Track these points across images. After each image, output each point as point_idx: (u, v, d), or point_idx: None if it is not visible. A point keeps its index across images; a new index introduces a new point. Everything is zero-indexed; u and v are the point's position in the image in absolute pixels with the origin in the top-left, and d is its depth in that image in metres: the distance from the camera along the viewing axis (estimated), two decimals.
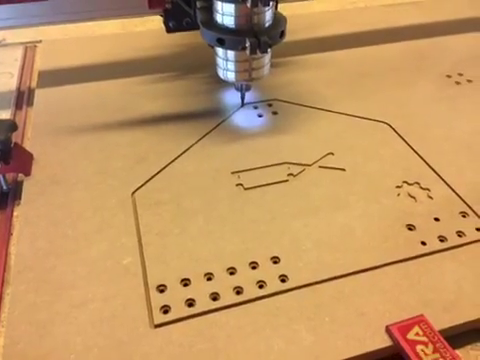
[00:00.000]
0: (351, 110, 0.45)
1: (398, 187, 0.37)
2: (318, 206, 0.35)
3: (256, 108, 0.46)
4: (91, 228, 0.33)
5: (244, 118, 0.45)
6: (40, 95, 0.47)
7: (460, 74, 0.51)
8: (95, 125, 0.43)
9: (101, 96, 0.47)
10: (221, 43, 0.38)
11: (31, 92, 0.49)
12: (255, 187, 0.37)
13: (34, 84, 0.50)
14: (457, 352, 0.28)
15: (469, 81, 0.50)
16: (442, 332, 0.27)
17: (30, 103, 0.47)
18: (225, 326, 0.27)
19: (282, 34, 0.39)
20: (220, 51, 0.40)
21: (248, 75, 0.41)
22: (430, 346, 0.25)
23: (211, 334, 0.27)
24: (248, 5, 0.34)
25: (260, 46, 0.36)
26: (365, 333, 0.27)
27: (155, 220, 0.34)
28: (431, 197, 0.36)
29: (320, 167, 0.39)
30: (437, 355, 0.25)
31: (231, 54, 0.39)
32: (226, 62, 0.40)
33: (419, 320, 0.27)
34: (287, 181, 0.37)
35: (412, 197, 0.36)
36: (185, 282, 0.30)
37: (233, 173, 0.38)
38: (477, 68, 0.52)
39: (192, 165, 0.38)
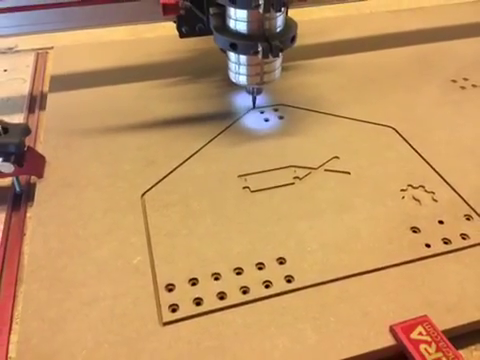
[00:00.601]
0: (357, 114, 0.46)
1: (403, 190, 0.37)
2: (323, 208, 0.36)
3: (262, 112, 0.47)
4: (101, 229, 0.34)
5: (251, 122, 0.45)
6: (52, 99, 0.48)
7: (465, 79, 0.51)
8: (106, 128, 0.44)
9: (111, 100, 0.48)
10: (234, 48, 0.39)
11: (43, 97, 0.50)
12: (262, 190, 0.37)
13: (46, 89, 0.51)
14: (460, 352, 0.28)
15: (474, 86, 0.50)
16: (445, 333, 0.27)
17: (42, 107, 0.48)
18: (232, 324, 0.28)
19: (293, 39, 0.40)
20: (232, 55, 0.41)
21: (260, 79, 0.42)
22: (433, 345, 0.26)
23: (218, 332, 0.28)
24: (260, 11, 0.35)
25: (272, 50, 0.37)
26: (369, 332, 0.27)
27: (164, 221, 0.34)
28: (436, 200, 0.36)
29: (326, 170, 0.39)
30: (440, 354, 0.25)
31: (243, 58, 0.41)
32: (238, 66, 0.41)
33: (422, 320, 0.27)
34: (293, 184, 0.38)
35: (417, 200, 0.36)
36: (193, 281, 0.30)
37: (240, 176, 0.39)
38: None
39: (200, 168, 0.39)
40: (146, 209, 0.35)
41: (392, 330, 0.27)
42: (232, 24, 0.40)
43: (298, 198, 0.37)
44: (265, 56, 0.38)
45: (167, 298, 0.29)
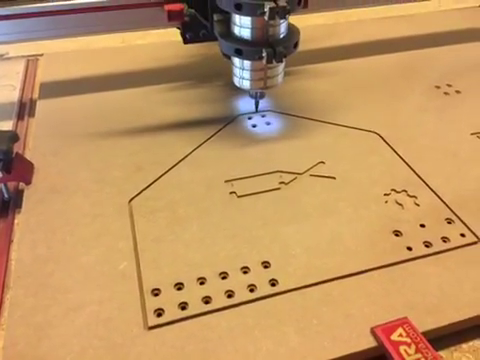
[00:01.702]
0: (342, 120, 0.47)
1: (386, 195, 0.38)
2: (308, 213, 0.36)
3: (250, 118, 0.47)
4: (89, 235, 0.34)
5: (239, 128, 0.46)
6: (41, 106, 0.49)
7: (449, 85, 0.52)
8: (95, 135, 0.44)
9: (101, 107, 0.48)
10: (239, 53, 0.40)
11: (33, 104, 0.50)
12: (248, 195, 0.38)
13: (36, 96, 0.51)
14: (440, 353, 0.29)
15: (457, 92, 0.51)
16: (426, 334, 0.28)
17: (32, 114, 0.48)
18: (216, 328, 0.28)
19: (296, 45, 0.42)
20: (237, 61, 0.42)
21: (263, 83, 0.43)
22: (413, 346, 0.26)
23: (202, 336, 0.28)
24: (266, 18, 0.36)
25: (276, 56, 0.38)
26: (351, 334, 0.28)
27: (151, 227, 0.35)
28: (418, 204, 0.37)
29: (311, 175, 0.40)
30: (419, 355, 0.26)
31: (247, 64, 0.42)
32: (242, 71, 0.42)
33: (403, 322, 0.28)
34: (279, 189, 0.39)
35: (399, 204, 0.37)
36: (179, 286, 0.31)
37: (227, 181, 0.39)
38: (465, 79, 0.53)
39: (187, 174, 0.40)
40: (133, 215, 0.36)
41: (373, 332, 0.28)
42: (237, 30, 0.41)
43: (284, 203, 0.37)
44: (269, 61, 0.39)
45: (153, 303, 0.30)
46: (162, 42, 0.62)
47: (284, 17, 0.37)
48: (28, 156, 0.42)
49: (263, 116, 0.48)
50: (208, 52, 0.58)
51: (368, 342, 0.27)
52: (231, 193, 0.38)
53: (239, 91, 0.51)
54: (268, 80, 0.43)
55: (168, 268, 0.32)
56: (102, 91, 0.51)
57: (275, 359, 0.27)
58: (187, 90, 0.51)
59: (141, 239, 0.34)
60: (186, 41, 0.48)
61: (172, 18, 0.45)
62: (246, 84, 0.43)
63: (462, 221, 0.35)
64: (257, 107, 0.48)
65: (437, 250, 0.33)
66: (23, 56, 0.60)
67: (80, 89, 0.51)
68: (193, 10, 0.44)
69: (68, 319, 0.29)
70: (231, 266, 0.32)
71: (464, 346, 0.29)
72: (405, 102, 0.49)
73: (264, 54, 0.39)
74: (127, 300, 0.30)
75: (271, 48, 0.39)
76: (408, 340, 0.27)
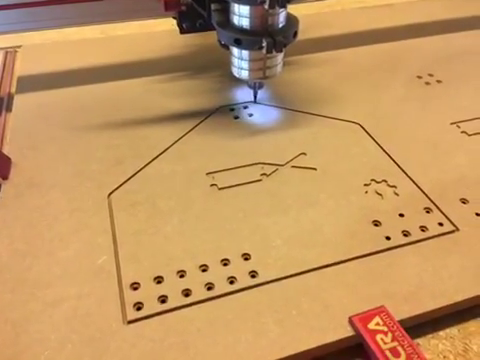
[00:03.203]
0: (324, 111, 0.46)
1: (366, 185, 0.38)
2: (289, 204, 0.36)
3: (232, 110, 0.47)
4: (67, 229, 0.34)
5: (220, 120, 0.46)
6: (19, 100, 0.48)
7: (430, 75, 0.53)
8: (74, 129, 0.44)
9: (80, 100, 0.48)
10: (238, 43, 0.40)
11: (10, 97, 0.49)
12: (229, 187, 0.38)
13: (13, 89, 0.50)
14: (418, 340, 0.29)
15: (439, 81, 0.51)
16: (403, 322, 0.28)
17: (9, 108, 0.47)
18: (195, 321, 0.28)
19: (295, 34, 0.41)
20: (235, 51, 0.42)
21: (262, 73, 0.42)
22: (389, 335, 0.27)
23: (182, 329, 0.28)
24: (266, 7, 0.36)
25: (275, 46, 0.38)
26: (329, 324, 0.28)
27: (130, 221, 0.35)
28: (397, 194, 0.37)
29: (293, 167, 0.40)
30: (395, 343, 0.26)
31: (246, 53, 0.41)
32: (241, 61, 0.42)
33: (380, 311, 0.28)
34: (260, 181, 0.39)
35: (379, 194, 0.37)
36: (158, 279, 0.31)
37: (208, 174, 0.39)
38: (447, 69, 0.54)
39: (168, 167, 0.39)
40: (113, 209, 0.35)
41: (351, 321, 0.28)
42: (236, 20, 0.40)
43: (265, 195, 0.37)
44: (269, 51, 0.38)
45: (132, 297, 0.30)
46: (142, 33, 0.61)
47: (284, 6, 0.37)
48: (5, 151, 0.41)
49: (245, 107, 0.48)
50: (192, 43, 0.57)
51: (346, 331, 0.28)
52: (212, 185, 0.38)
53: (223, 82, 0.51)
54: (267, 70, 0.42)
55: (148, 262, 0.32)
56: (82, 84, 0.50)
57: (254, 350, 0.27)
58: (168, 82, 0.51)
59: (120, 233, 0.34)
60: (183, 31, 0.47)
61: (169, 7, 0.44)
62: (245, 74, 0.43)
63: (440, 210, 0.36)
64: (256, 97, 0.47)
65: (415, 239, 0.33)
66: (1, 48, 0.58)
67: (59, 82, 0.50)
68: None
69: (46, 315, 0.29)
70: (211, 258, 0.32)
71: (441, 333, 0.30)
72: (387, 92, 0.50)
73: (264, 44, 0.38)
74: (106, 295, 0.30)
75: (271, 38, 0.38)
76: (385, 329, 0.27)
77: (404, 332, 0.27)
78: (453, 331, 0.30)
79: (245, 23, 0.40)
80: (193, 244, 0.33)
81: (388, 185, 0.38)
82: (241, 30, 0.40)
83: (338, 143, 0.43)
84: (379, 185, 0.38)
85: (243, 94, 0.49)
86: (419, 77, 0.52)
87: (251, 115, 0.47)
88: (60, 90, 0.49)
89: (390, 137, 0.43)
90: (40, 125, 0.44)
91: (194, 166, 0.40)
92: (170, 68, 0.53)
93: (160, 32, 0.61)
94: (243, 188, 0.38)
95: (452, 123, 0.45)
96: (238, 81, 0.51)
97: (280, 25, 0.41)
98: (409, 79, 0.52)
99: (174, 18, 0.47)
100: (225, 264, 0.32)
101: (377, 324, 0.27)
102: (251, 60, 0.42)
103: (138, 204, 0.36)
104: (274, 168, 0.40)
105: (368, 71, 0.53)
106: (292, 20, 0.42)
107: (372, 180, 0.38)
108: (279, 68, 0.44)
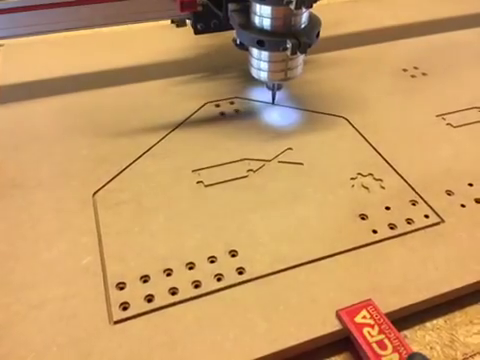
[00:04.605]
0: (311, 106, 0.46)
1: (353, 179, 0.38)
2: (276, 200, 0.36)
3: (218, 106, 0.47)
4: (51, 230, 0.33)
5: (206, 116, 0.45)
6: (2, 99, 0.47)
7: (415, 68, 0.53)
8: (57, 128, 0.43)
9: (64, 100, 0.47)
10: (261, 45, 0.39)
11: None
12: (215, 184, 0.38)
13: None
14: (405, 332, 0.30)
15: (424, 74, 0.52)
16: (390, 314, 0.28)
17: None
18: (183, 319, 0.28)
19: (317, 34, 0.40)
20: (255, 51, 0.41)
21: (284, 75, 0.42)
22: (376, 328, 0.27)
23: (169, 327, 0.28)
24: (292, 7, 0.35)
25: (300, 47, 0.37)
26: (317, 319, 0.28)
27: (116, 220, 0.34)
28: (383, 187, 0.37)
29: (279, 162, 0.40)
30: (382, 336, 0.27)
31: (266, 54, 0.40)
32: (260, 62, 0.41)
33: (367, 304, 0.28)
34: (247, 177, 0.38)
35: (365, 188, 0.37)
36: (145, 279, 0.30)
37: (194, 171, 0.39)
38: (432, 61, 0.54)
39: (153, 165, 0.39)
40: (97, 208, 0.35)
41: (338, 315, 0.28)
42: (257, 20, 0.39)
43: (251, 191, 0.37)
44: (293, 53, 0.37)
45: (118, 297, 0.29)
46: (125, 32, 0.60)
47: (310, 6, 0.35)
48: None
49: (231, 103, 0.47)
50: (175, 41, 0.57)
51: (333, 325, 0.28)
52: (198, 183, 0.38)
53: (209, 78, 0.51)
54: (289, 71, 0.42)
55: (134, 261, 0.31)
56: (65, 83, 0.49)
57: (242, 347, 0.27)
58: (152, 81, 0.50)
59: (105, 232, 0.33)
60: (197, 32, 0.46)
61: (185, 8, 0.43)
62: (264, 75, 0.42)
63: (426, 202, 0.36)
64: (274, 99, 0.46)
65: (402, 232, 0.33)
66: None
67: (42, 81, 0.49)
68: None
69: (31, 317, 0.28)
70: (198, 256, 0.32)
71: (428, 324, 0.30)
72: (373, 86, 0.50)
73: (289, 45, 0.37)
74: (91, 295, 0.29)
75: (295, 39, 0.37)
76: (372, 322, 0.27)
77: (391, 325, 0.27)
78: (440, 322, 0.30)
79: (268, 24, 0.38)
80: (179, 242, 0.33)
81: (374, 178, 0.38)
82: (263, 31, 0.39)
83: (324, 137, 0.43)
84: (365, 179, 0.38)
85: (229, 89, 0.49)
86: (404, 70, 0.52)
87: (237, 111, 0.46)
88: (43, 88, 0.48)
89: (376, 130, 0.43)
90: (23, 125, 0.43)
91: (180, 163, 0.39)
92: (155, 67, 0.52)
93: (141, 30, 0.60)
94: (230, 184, 0.38)
95: (438, 115, 0.45)
96: (223, 77, 0.51)
97: (303, 25, 0.40)
98: (395, 72, 0.52)
99: (188, 19, 0.46)
100: (212, 261, 0.32)
101: (364, 317, 0.27)
102: (272, 61, 0.41)
103: (123, 203, 0.35)
104: (261, 164, 0.40)
105: (353, 65, 0.53)
106: (314, 20, 0.41)
107: (358, 174, 0.38)
108: (300, 69, 0.43)
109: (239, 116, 0.46)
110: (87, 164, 0.39)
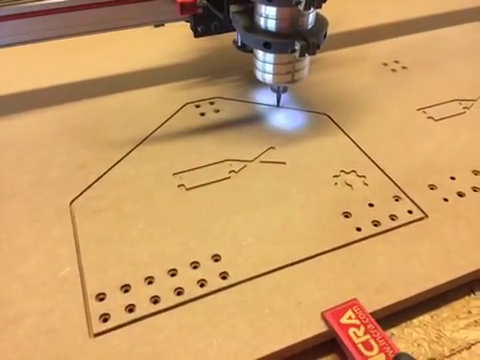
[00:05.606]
0: (292, 103, 0.46)
1: (336, 176, 0.38)
2: (259, 201, 0.36)
3: (198, 107, 0.46)
4: (27, 241, 0.32)
5: (186, 118, 0.45)
6: None
7: (396, 61, 0.53)
8: (31, 134, 0.42)
9: (37, 104, 0.45)
10: (267, 47, 0.37)
11: None
12: (197, 186, 0.37)
13: None
14: (392, 330, 0.29)
15: (404, 68, 0.51)
16: (376, 313, 0.28)
17: None
18: (165, 328, 0.27)
19: (325, 35, 0.39)
20: (260, 54, 0.40)
21: (291, 77, 0.41)
22: (362, 328, 0.26)
23: (151, 337, 0.27)
24: (301, 8, 0.34)
25: (309, 48, 0.36)
26: (302, 321, 0.28)
27: (94, 228, 0.33)
28: (366, 184, 0.37)
29: (261, 162, 0.39)
30: (368, 336, 0.26)
31: (272, 56, 0.39)
32: (265, 64, 0.40)
33: (352, 304, 0.28)
34: (229, 178, 0.38)
35: (349, 185, 0.37)
36: (125, 288, 0.30)
37: (175, 174, 0.38)
38: (412, 55, 0.54)
39: (132, 170, 0.38)
40: (75, 217, 0.34)
41: (323, 316, 0.27)
42: (262, 22, 0.38)
43: (234, 192, 0.36)
44: (302, 54, 0.36)
45: (98, 308, 0.28)
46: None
47: (320, 7, 0.34)
48: None
49: (211, 103, 0.47)
50: (154, 41, 0.56)
51: (319, 327, 0.27)
52: (179, 186, 0.37)
53: (188, 78, 0.50)
54: (295, 73, 0.40)
55: (113, 270, 0.30)
56: (39, 86, 0.48)
57: (226, 354, 0.26)
58: (130, 82, 0.49)
59: (84, 242, 0.32)
60: (197, 34, 0.45)
61: (185, 10, 0.41)
62: (270, 78, 0.41)
63: (409, 198, 0.36)
64: (279, 101, 0.45)
65: (385, 228, 0.33)
66: None
67: (14, 84, 0.48)
68: (206, 1, 0.41)
69: (7, 333, 0.27)
70: (180, 262, 0.31)
71: (414, 321, 0.30)
72: (354, 81, 0.49)
73: (297, 47, 0.36)
74: (70, 308, 0.28)
75: (304, 40, 0.36)
76: (357, 322, 0.27)
77: (376, 324, 0.27)
78: (426, 318, 0.30)
79: (274, 25, 0.37)
80: (161, 248, 0.32)
81: (357, 175, 0.38)
82: (269, 33, 0.38)
83: (307, 135, 0.42)
84: (348, 176, 0.38)
85: (210, 89, 0.48)
86: (385, 64, 0.52)
87: (217, 111, 0.46)
88: (16, 93, 0.47)
89: (358, 126, 0.43)
90: None
91: (160, 167, 0.38)
92: (133, 71, 0.51)
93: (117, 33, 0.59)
94: (211, 187, 0.37)
95: (419, 109, 0.45)
96: (203, 77, 0.50)
97: (310, 26, 0.38)
98: (375, 66, 0.52)
99: (187, 21, 0.45)
100: (195, 267, 0.31)
101: (349, 318, 0.27)
102: (278, 64, 0.39)
103: (102, 210, 0.35)
104: (243, 164, 0.39)
105: (334, 60, 0.53)
106: (321, 20, 0.40)
107: (341, 171, 0.38)
108: (306, 71, 0.41)
109: (219, 116, 0.45)
110: (63, 171, 0.38)
